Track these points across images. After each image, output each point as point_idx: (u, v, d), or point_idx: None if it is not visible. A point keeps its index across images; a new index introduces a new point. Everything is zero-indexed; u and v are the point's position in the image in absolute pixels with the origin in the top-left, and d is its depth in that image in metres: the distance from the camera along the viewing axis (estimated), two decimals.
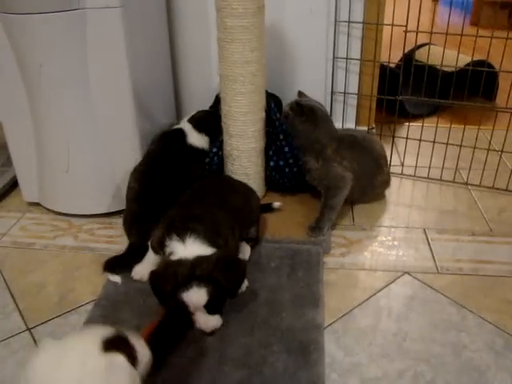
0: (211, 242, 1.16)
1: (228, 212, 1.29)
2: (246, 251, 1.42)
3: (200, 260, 1.11)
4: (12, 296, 1.35)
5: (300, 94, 1.70)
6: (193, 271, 1.09)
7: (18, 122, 1.61)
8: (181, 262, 1.11)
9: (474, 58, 1.93)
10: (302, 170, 1.67)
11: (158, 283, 1.12)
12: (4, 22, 1.41)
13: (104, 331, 0.85)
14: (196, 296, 1.10)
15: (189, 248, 1.14)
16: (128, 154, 1.60)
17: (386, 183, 1.75)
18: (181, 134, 1.67)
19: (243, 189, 1.49)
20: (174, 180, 1.52)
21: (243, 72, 1.48)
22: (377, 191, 1.75)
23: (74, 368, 0.79)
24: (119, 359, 0.80)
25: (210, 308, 1.13)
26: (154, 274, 1.14)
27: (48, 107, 1.52)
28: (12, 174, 1.83)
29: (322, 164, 1.58)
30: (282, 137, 1.65)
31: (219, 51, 1.50)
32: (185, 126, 1.70)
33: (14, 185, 1.84)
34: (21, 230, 1.64)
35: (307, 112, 1.57)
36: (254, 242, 1.47)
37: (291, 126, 1.60)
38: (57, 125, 1.55)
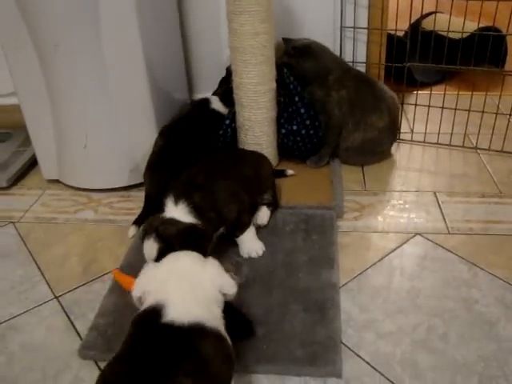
0: (199, 213, 1.22)
1: (235, 181, 1.35)
2: (264, 215, 1.47)
3: (171, 222, 1.20)
4: (38, 267, 1.41)
5: (286, 40, 1.77)
6: (157, 227, 1.18)
7: (36, 102, 1.65)
8: (160, 219, 1.21)
9: (481, 25, 1.94)
10: (318, 132, 1.72)
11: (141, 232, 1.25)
12: (19, 2, 1.45)
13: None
14: (148, 248, 1.18)
15: (177, 212, 1.21)
16: (143, 129, 1.64)
17: (386, 132, 1.76)
18: (206, 101, 1.78)
19: (254, 157, 1.54)
20: (196, 141, 1.63)
21: (253, 43, 1.51)
22: (372, 136, 1.74)
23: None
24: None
25: None
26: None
27: (64, 86, 1.56)
28: (31, 152, 1.88)
29: (322, 93, 1.68)
30: (297, 99, 1.69)
31: (229, 24, 1.53)
32: (210, 96, 1.81)
33: (33, 163, 1.89)
34: (42, 205, 1.69)
35: (306, 49, 1.68)
36: (274, 206, 1.52)
37: (297, 69, 1.68)
38: (73, 103, 1.59)
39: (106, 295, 1.26)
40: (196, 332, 0.84)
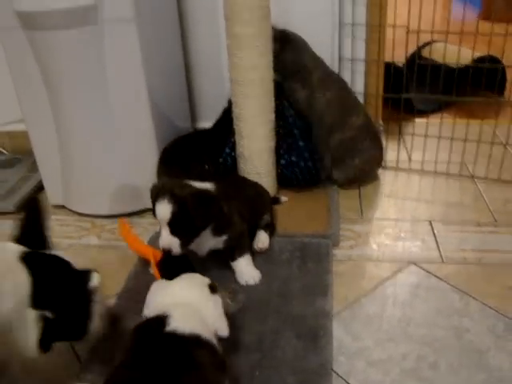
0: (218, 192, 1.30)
1: (241, 201, 1.43)
2: (265, 238, 1.51)
3: (186, 185, 1.25)
4: None
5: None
6: (172, 189, 1.22)
7: (43, 129, 1.71)
8: (173, 182, 1.27)
9: (478, 53, 1.98)
10: (316, 165, 1.76)
11: (150, 192, 1.28)
12: (30, 37, 1.52)
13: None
14: (161, 208, 1.21)
15: (201, 184, 1.29)
16: (146, 157, 1.70)
17: (363, 131, 1.80)
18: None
19: (254, 183, 1.63)
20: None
21: (252, 77, 1.56)
22: (350, 135, 1.79)
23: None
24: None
25: (173, 228, 1.23)
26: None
27: (70, 114, 1.63)
28: (38, 178, 1.93)
29: (307, 93, 1.71)
30: (296, 131, 1.74)
31: (229, 57, 1.58)
32: None
33: (39, 188, 1.95)
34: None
35: (286, 37, 1.71)
36: (271, 230, 1.56)
37: (277, 60, 1.67)
38: (79, 132, 1.65)
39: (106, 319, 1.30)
40: (194, 341, 0.92)
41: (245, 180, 1.65)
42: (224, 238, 1.35)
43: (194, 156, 1.77)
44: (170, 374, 0.85)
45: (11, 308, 0.93)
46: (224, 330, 1.01)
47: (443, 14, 3.42)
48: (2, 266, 0.95)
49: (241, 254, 1.39)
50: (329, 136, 1.79)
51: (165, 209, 1.21)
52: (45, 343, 0.96)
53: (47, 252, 1.05)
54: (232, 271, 1.40)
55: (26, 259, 0.97)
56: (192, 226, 1.23)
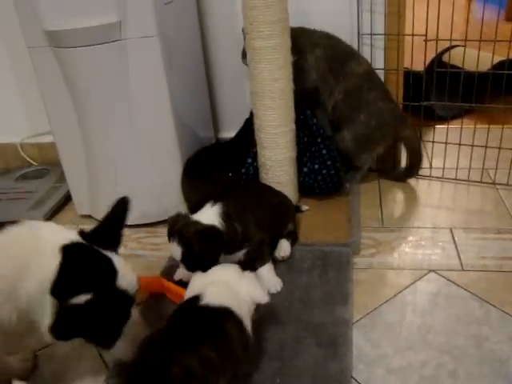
0: (228, 219, 1.35)
1: (264, 210, 1.49)
2: (286, 247, 1.55)
3: (191, 223, 1.32)
4: None
5: None
6: (179, 229, 1.30)
7: (70, 142, 1.77)
8: (183, 220, 1.34)
9: (499, 58, 1.98)
10: (339, 172, 1.79)
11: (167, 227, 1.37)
12: (56, 54, 1.58)
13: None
14: (173, 249, 1.32)
15: (209, 213, 1.36)
16: (170, 168, 1.75)
17: (366, 79, 1.81)
18: None
19: (277, 192, 1.66)
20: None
21: (272, 88, 1.60)
22: (353, 83, 1.80)
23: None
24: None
25: (187, 265, 1.32)
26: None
27: (96, 128, 1.68)
28: (65, 189, 1.99)
29: (296, 58, 1.72)
30: (319, 140, 1.77)
31: (249, 70, 1.62)
32: None
33: (67, 199, 2.01)
34: None
35: None
36: (293, 238, 1.60)
37: None
38: (104, 143, 1.70)
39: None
40: (225, 314, 1.06)
41: (268, 189, 1.68)
42: (243, 251, 1.39)
43: (217, 166, 1.81)
44: (197, 337, 0.99)
45: (33, 288, 0.97)
46: (261, 298, 1.15)
47: (464, 16, 3.40)
48: (35, 246, 1.00)
49: (261, 264, 1.42)
50: (331, 94, 1.80)
51: (176, 250, 1.31)
52: (59, 331, 1.00)
53: (104, 250, 1.09)
54: None
55: (67, 248, 1.00)
56: (202, 263, 1.28)
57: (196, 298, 1.10)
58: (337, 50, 1.79)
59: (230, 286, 1.15)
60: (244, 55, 1.81)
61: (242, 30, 1.77)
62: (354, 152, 1.86)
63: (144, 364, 0.93)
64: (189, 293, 1.17)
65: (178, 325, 1.06)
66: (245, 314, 1.09)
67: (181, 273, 1.38)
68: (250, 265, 1.41)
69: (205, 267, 1.26)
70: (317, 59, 1.79)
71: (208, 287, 1.13)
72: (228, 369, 1.02)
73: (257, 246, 1.40)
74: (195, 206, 1.49)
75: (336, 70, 1.78)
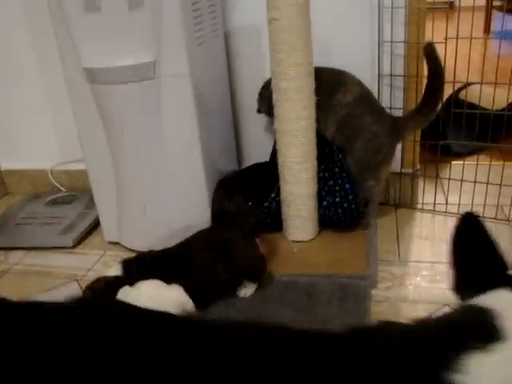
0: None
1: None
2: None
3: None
4: None
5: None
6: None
7: (101, 170, 1.86)
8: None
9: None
10: (359, 208, 1.84)
11: None
12: (93, 91, 1.68)
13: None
14: None
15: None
16: (197, 199, 1.83)
17: (359, 105, 1.80)
18: None
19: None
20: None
21: (296, 127, 1.68)
22: (344, 112, 1.80)
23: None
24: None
25: None
26: None
27: (127, 158, 1.77)
28: (94, 215, 2.08)
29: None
30: (344, 174, 1.82)
31: (275, 109, 1.71)
32: None
33: (96, 225, 2.10)
34: (104, 265, 1.88)
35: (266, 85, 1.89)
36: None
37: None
38: (135, 175, 1.79)
39: None
40: None
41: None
42: None
43: (244, 190, 1.90)
44: None
45: None
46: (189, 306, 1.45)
47: (482, 51, 3.47)
48: None
49: None
50: (325, 129, 1.83)
51: None
52: None
53: None
54: None
55: None
56: None
57: None
58: (323, 84, 1.78)
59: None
60: (259, 110, 2.00)
61: (260, 95, 1.95)
62: (358, 180, 1.86)
63: None
64: None
65: None
66: None
67: None
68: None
69: None
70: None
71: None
72: None
73: None
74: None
75: (324, 104, 1.78)
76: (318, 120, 1.77)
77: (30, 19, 2.19)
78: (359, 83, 1.83)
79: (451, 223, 1.96)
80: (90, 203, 2.12)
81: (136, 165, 1.77)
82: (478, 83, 2.46)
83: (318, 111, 1.75)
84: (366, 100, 1.83)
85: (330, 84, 1.81)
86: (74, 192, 2.35)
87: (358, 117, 1.80)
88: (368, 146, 1.81)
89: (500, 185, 1.93)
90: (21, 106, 2.38)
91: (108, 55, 1.61)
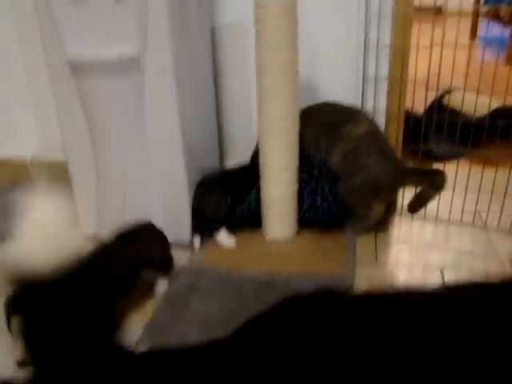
0: None
1: None
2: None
3: None
4: None
5: None
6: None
7: (82, 165, 1.85)
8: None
9: (496, 104, 2.07)
10: (339, 208, 1.85)
11: None
12: (77, 83, 1.67)
13: None
14: None
15: None
16: (177, 196, 1.82)
17: (368, 141, 1.79)
18: None
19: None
20: None
21: (279, 126, 1.68)
22: (352, 145, 1.80)
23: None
24: None
25: None
26: None
27: (108, 153, 1.76)
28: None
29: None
30: (323, 176, 1.84)
31: (258, 108, 1.70)
32: None
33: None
34: None
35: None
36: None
37: None
38: (114, 165, 1.78)
39: None
40: None
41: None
42: None
43: (224, 189, 1.89)
44: None
45: None
46: None
47: (466, 56, 3.49)
48: None
49: None
50: (327, 158, 1.83)
51: None
52: None
53: None
54: None
55: None
56: None
57: None
58: (328, 116, 1.82)
59: None
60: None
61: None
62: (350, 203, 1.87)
63: None
64: None
65: None
66: None
67: None
68: None
69: None
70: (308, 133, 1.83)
71: None
72: None
73: None
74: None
75: (331, 134, 1.79)
76: (321, 147, 1.79)
77: (15, 11, 2.16)
78: (371, 119, 1.83)
79: (429, 228, 2.00)
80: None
81: (116, 159, 1.76)
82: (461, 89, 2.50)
83: (323, 139, 1.77)
84: (375, 137, 1.82)
85: (340, 114, 1.82)
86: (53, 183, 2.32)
87: (364, 153, 1.78)
88: (365, 185, 1.80)
89: (479, 190, 1.95)
90: (2, 97, 2.36)
91: (93, 48, 1.60)
